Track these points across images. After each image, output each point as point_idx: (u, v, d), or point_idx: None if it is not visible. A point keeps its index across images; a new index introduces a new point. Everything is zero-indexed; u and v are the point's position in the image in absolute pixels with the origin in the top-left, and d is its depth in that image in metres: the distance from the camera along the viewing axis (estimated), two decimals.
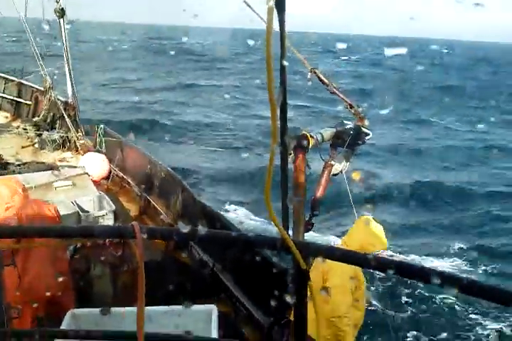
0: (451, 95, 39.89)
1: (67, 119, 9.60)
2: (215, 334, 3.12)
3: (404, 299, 9.93)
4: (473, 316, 9.58)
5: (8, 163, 8.44)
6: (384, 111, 26.12)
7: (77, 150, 9.46)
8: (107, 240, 4.76)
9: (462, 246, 12.69)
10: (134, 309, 1.49)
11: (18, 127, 10.47)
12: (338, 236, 11.44)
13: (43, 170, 7.75)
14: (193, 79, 42.63)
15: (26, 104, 11.64)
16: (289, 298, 1.85)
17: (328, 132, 3.88)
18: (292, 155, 3.44)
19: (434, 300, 9.93)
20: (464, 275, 1.32)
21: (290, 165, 3.18)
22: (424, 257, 11.80)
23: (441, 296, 9.88)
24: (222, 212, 5.92)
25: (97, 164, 8.36)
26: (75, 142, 9.53)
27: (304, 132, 3.59)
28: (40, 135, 9.80)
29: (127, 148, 8.54)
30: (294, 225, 3.20)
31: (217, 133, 24.05)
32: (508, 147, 24.05)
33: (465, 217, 14.93)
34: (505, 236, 13.63)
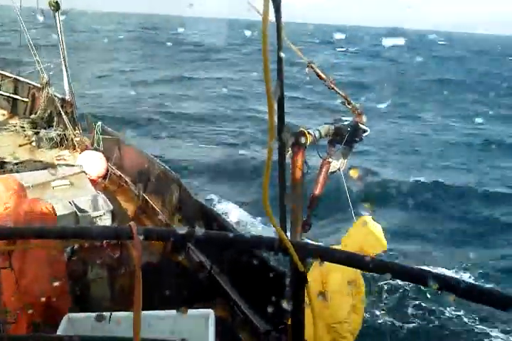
0: (449, 88, 39.92)
1: (65, 117, 9.56)
2: (212, 339, 3.09)
3: (403, 304, 9.82)
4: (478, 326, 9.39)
5: (5, 162, 8.41)
6: (382, 105, 25.96)
7: (74, 149, 9.43)
8: (105, 241, 4.73)
9: (462, 252, 12.34)
10: (130, 314, 1.47)
11: (15, 125, 10.42)
12: (336, 237, 11.38)
13: (41, 169, 7.73)
14: (190, 70, 42.62)
15: (23, 101, 11.57)
16: (286, 304, 1.83)
17: (325, 129, 3.84)
18: (290, 152, 3.40)
19: (435, 306, 9.79)
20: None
21: (287, 162, 3.17)
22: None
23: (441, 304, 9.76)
24: (219, 212, 5.87)
25: (94, 162, 8.32)
26: (72, 140, 9.49)
27: (301, 129, 3.55)
28: (37, 133, 9.76)
29: (125, 146, 8.50)
30: (292, 225, 3.17)
31: (213, 128, 24.04)
32: (506, 143, 23.74)
33: (465, 220, 14.58)
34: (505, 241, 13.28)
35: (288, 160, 3.30)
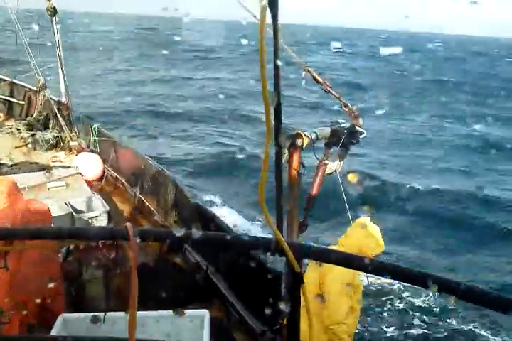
0: (446, 89, 40.07)
1: (61, 119, 9.55)
2: (207, 340, 3.09)
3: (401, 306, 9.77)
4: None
5: (0, 164, 8.39)
6: (380, 111, 25.83)
7: (70, 150, 9.41)
8: (100, 242, 4.72)
9: (460, 256, 12.12)
10: (125, 314, 1.47)
11: (11, 127, 10.40)
12: (333, 238, 11.36)
13: (36, 171, 7.72)
14: (186, 71, 42.65)
15: (19, 103, 11.56)
16: (282, 305, 1.83)
17: (322, 131, 3.85)
18: (287, 154, 3.42)
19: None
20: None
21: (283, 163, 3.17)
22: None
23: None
24: (215, 212, 5.85)
25: (90, 164, 8.32)
26: (68, 142, 9.48)
27: (298, 131, 3.56)
28: (33, 135, 9.75)
29: (121, 148, 8.49)
30: (288, 226, 3.18)
31: (208, 128, 24.05)
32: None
33: (466, 228, 14.13)
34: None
35: (285, 162, 3.32)
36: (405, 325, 9.13)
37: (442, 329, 9.10)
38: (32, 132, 9.87)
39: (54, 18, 9.10)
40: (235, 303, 4.77)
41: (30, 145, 9.61)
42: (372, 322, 8.90)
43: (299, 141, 3.44)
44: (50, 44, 9.57)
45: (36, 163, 8.54)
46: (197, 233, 1.48)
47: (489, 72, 58.63)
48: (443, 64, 63.95)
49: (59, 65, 9.54)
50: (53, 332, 3.17)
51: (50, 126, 10.05)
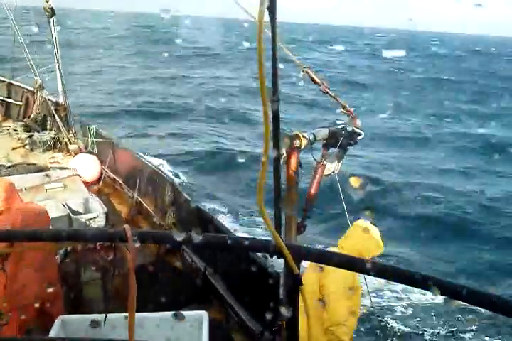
0: (445, 87, 40.16)
1: (58, 120, 9.54)
2: None
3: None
4: None
5: None
6: (383, 115, 25.60)
7: (68, 152, 9.40)
8: (98, 244, 4.72)
9: (461, 260, 11.89)
10: (123, 315, 1.47)
11: (8, 128, 10.38)
12: (331, 239, 11.32)
13: (34, 172, 7.71)
14: (183, 68, 42.68)
15: (16, 104, 11.55)
16: (280, 306, 1.84)
17: (320, 132, 3.85)
18: (285, 155, 3.41)
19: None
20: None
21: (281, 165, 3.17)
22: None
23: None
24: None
25: (88, 165, 8.32)
26: (66, 143, 9.48)
27: (296, 132, 3.57)
28: (31, 136, 9.73)
29: (119, 149, 8.48)
30: (287, 228, 3.18)
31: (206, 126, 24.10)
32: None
33: (468, 233, 13.81)
34: None
35: (283, 163, 3.32)
36: (407, 326, 9.15)
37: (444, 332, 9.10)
38: (30, 133, 9.86)
39: (52, 19, 9.08)
40: (234, 304, 4.76)
41: (27, 147, 9.60)
42: (373, 323, 8.88)
43: (296, 142, 3.44)
44: (46, 40, 9.53)
45: (34, 164, 8.52)
46: (197, 237, 1.48)
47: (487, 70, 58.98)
48: (442, 62, 64.19)
49: (56, 66, 9.52)
50: (52, 334, 3.16)
51: (48, 127, 10.03)
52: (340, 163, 4.15)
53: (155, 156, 16.99)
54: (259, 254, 4.30)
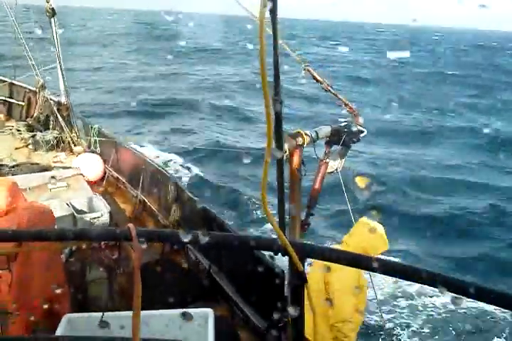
0: (448, 81, 40.05)
1: (61, 119, 9.56)
2: (211, 339, 3.09)
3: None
4: None
5: (1, 165, 8.40)
6: (388, 116, 25.36)
7: (71, 151, 9.42)
8: (103, 242, 4.73)
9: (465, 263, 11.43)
10: (129, 313, 1.47)
11: (11, 128, 10.41)
12: (336, 237, 11.30)
13: (37, 172, 7.73)
14: (182, 65, 42.65)
15: (19, 104, 11.58)
16: (286, 303, 1.85)
17: (323, 130, 3.86)
18: (287, 153, 3.43)
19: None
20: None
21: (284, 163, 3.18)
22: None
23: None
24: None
25: (91, 165, 8.33)
26: (69, 143, 9.49)
27: (298, 130, 3.58)
28: (33, 136, 9.75)
29: (121, 148, 8.49)
30: (291, 225, 3.19)
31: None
32: None
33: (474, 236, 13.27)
34: None
35: (285, 161, 3.33)
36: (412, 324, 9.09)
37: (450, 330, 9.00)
38: (32, 133, 9.88)
39: (53, 19, 9.08)
40: (239, 302, 4.78)
41: (30, 146, 9.61)
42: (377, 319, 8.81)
43: (299, 140, 3.45)
44: (47, 37, 9.52)
45: (37, 163, 8.54)
46: (203, 238, 1.49)
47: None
48: (445, 56, 64.17)
49: (58, 66, 9.53)
50: (58, 333, 3.18)
51: (51, 126, 10.05)
52: (343, 161, 4.16)
53: (163, 151, 17.01)
54: (265, 252, 4.32)
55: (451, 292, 1.28)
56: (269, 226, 10.71)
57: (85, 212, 6.20)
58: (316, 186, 3.99)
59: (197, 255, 5.64)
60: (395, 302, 9.49)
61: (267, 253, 4.26)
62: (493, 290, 1.26)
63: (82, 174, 7.60)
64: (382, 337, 8.54)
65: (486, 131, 24.51)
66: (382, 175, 17.07)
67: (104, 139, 8.90)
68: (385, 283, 9.63)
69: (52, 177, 6.99)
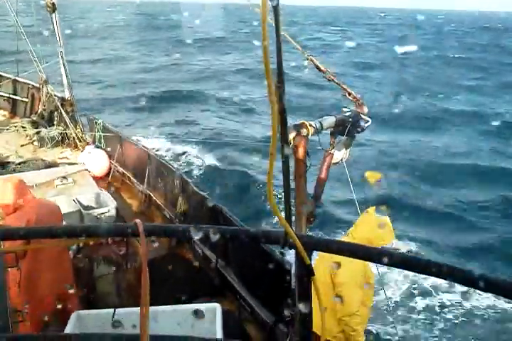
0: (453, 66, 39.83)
1: (65, 115, 9.56)
2: (219, 333, 3.10)
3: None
4: None
5: (7, 162, 8.43)
6: (396, 110, 25.01)
7: (76, 147, 9.44)
8: (110, 238, 4.74)
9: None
10: (137, 309, 1.47)
11: (16, 125, 10.42)
12: (341, 229, 11.27)
13: (43, 168, 7.76)
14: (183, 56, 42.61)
15: (23, 101, 11.58)
16: (293, 296, 1.85)
17: (327, 120, 3.82)
18: (292, 144, 3.40)
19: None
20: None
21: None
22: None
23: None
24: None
25: (96, 160, 8.34)
26: (74, 138, 9.50)
27: (302, 121, 3.55)
28: (38, 132, 9.77)
29: (126, 143, 8.50)
30: (297, 218, 3.17)
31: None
32: None
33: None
34: None
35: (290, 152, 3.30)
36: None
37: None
38: (37, 129, 9.89)
39: (54, 15, 9.05)
40: (246, 296, 4.78)
41: (36, 143, 9.64)
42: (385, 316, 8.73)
43: (303, 131, 3.42)
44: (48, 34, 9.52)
45: (43, 160, 8.57)
46: (214, 236, 1.49)
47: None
48: (450, 38, 63.91)
49: (61, 61, 9.51)
50: (67, 329, 3.19)
51: (55, 122, 10.05)
52: (348, 151, 4.12)
53: (173, 143, 17.00)
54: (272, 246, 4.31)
55: (459, 283, 1.27)
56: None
57: (92, 208, 6.21)
58: (322, 177, 3.97)
59: (203, 249, 5.65)
60: (404, 295, 9.48)
61: (274, 246, 4.25)
62: (500, 281, 1.25)
63: (87, 170, 7.61)
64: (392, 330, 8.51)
65: (493, 116, 24.33)
66: (390, 163, 16.95)
67: (108, 134, 8.90)
68: (394, 276, 9.58)
69: (64, 177, 7.00)
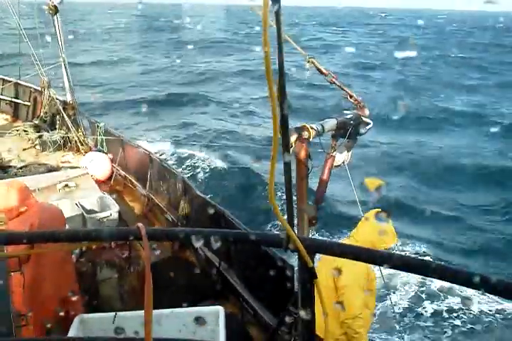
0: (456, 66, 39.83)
1: (67, 119, 9.58)
2: (222, 336, 3.10)
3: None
4: None
5: (9, 166, 8.44)
6: (396, 116, 24.99)
7: (78, 151, 9.45)
8: (112, 242, 4.75)
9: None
10: (140, 312, 1.48)
11: (18, 129, 10.44)
12: (343, 232, 11.27)
13: (45, 172, 7.77)
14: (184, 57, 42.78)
15: (25, 104, 11.61)
16: (295, 300, 1.85)
17: (328, 123, 3.83)
18: (293, 147, 3.41)
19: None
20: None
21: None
22: None
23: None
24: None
25: (98, 164, 8.35)
26: (76, 142, 9.52)
27: (304, 124, 3.55)
28: (40, 136, 9.79)
29: (128, 146, 8.51)
30: (299, 220, 3.18)
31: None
32: None
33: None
34: None
35: (291, 155, 3.31)
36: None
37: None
38: (39, 133, 9.91)
39: (56, 17, 9.07)
40: (249, 299, 4.78)
41: (38, 147, 9.66)
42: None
43: (305, 134, 3.43)
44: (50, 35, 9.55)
45: (45, 164, 8.58)
46: (215, 244, 1.50)
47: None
48: (451, 38, 64.09)
49: (63, 64, 9.53)
50: (71, 333, 3.20)
51: (57, 126, 10.07)
52: (349, 153, 4.13)
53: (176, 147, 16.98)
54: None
55: (463, 286, 1.27)
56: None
57: (94, 212, 6.21)
58: (323, 180, 3.97)
59: (206, 252, 5.65)
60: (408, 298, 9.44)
61: (276, 248, 4.25)
62: (502, 282, 1.25)
63: (90, 173, 7.62)
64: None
65: (495, 116, 24.30)
66: (392, 164, 16.96)
67: (110, 138, 8.92)
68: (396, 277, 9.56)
69: (66, 181, 7.01)
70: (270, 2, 1.22)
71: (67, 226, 4.41)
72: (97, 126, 9.19)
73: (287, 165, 1.62)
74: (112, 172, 8.51)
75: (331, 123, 3.84)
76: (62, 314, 3.72)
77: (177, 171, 7.07)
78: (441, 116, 24.46)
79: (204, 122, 22.18)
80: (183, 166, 15.65)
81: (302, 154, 3.36)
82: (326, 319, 1.81)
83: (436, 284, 9.45)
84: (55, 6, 8.90)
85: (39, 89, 10.64)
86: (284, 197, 2.02)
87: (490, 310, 9.03)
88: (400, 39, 60.65)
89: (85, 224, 5.87)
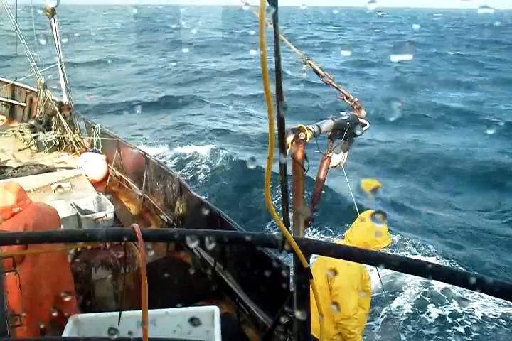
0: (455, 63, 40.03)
1: (63, 120, 9.57)
2: (217, 336, 3.10)
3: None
4: None
5: (5, 167, 8.42)
6: (392, 118, 24.96)
7: (74, 151, 9.44)
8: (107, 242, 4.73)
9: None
10: (136, 313, 1.47)
11: (14, 130, 10.42)
12: (339, 233, 11.27)
13: (41, 173, 7.75)
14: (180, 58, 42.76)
15: (21, 105, 11.59)
16: (291, 300, 1.85)
17: (325, 124, 3.83)
18: (290, 148, 3.41)
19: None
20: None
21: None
22: None
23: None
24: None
25: (94, 164, 8.34)
26: (71, 143, 9.51)
27: (300, 125, 3.56)
28: (36, 137, 9.76)
29: (124, 147, 8.50)
30: (294, 221, 3.18)
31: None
32: None
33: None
34: None
35: (288, 156, 3.31)
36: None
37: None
38: (35, 134, 9.89)
39: (52, 19, 9.06)
40: (244, 299, 4.78)
41: (33, 148, 9.64)
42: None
43: (301, 135, 3.43)
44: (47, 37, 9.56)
45: (40, 164, 8.56)
46: (209, 245, 1.50)
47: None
48: (449, 36, 64.47)
49: (59, 66, 9.53)
50: (65, 333, 3.19)
51: (53, 127, 10.06)
52: (346, 154, 4.13)
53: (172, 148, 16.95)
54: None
55: (459, 286, 1.28)
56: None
57: (90, 212, 6.20)
58: (320, 181, 3.97)
59: (201, 252, 5.65)
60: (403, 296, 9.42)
61: (272, 249, 4.25)
62: (497, 283, 1.25)
63: (85, 174, 7.61)
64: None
65: (492, 115, 24.32)
66: (389, 162, 16.98)
67: (106, 139, 8.91)
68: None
69: (61, 182, 6.99)
70: (267, 3, 1.22)
71: (62, 227, 4.40)
72: (93, 127, 9.18)
73: (283, 167, 1.62)
74: (108, 173, 8.50)
75: (327, 125, 3.84)
76: (57, 314, 3.71)
77: (173, 172, 7.06)
78: (439, 114, 24.46)
79: (200, 122, 22.18)
80: (181, 167, 15.65)
81: (299, 155, 3.37)
82: (321, 319, 1.81)
83: (439, 286, 9.40)
84: (53, 9, 8.89)
85: (35, 90, 10.63)
86: (280, 198, 2.03)
87: (495, 315, 8.96)
88: (396, 38, 60.91)
89: (80, 225, 5.85)
